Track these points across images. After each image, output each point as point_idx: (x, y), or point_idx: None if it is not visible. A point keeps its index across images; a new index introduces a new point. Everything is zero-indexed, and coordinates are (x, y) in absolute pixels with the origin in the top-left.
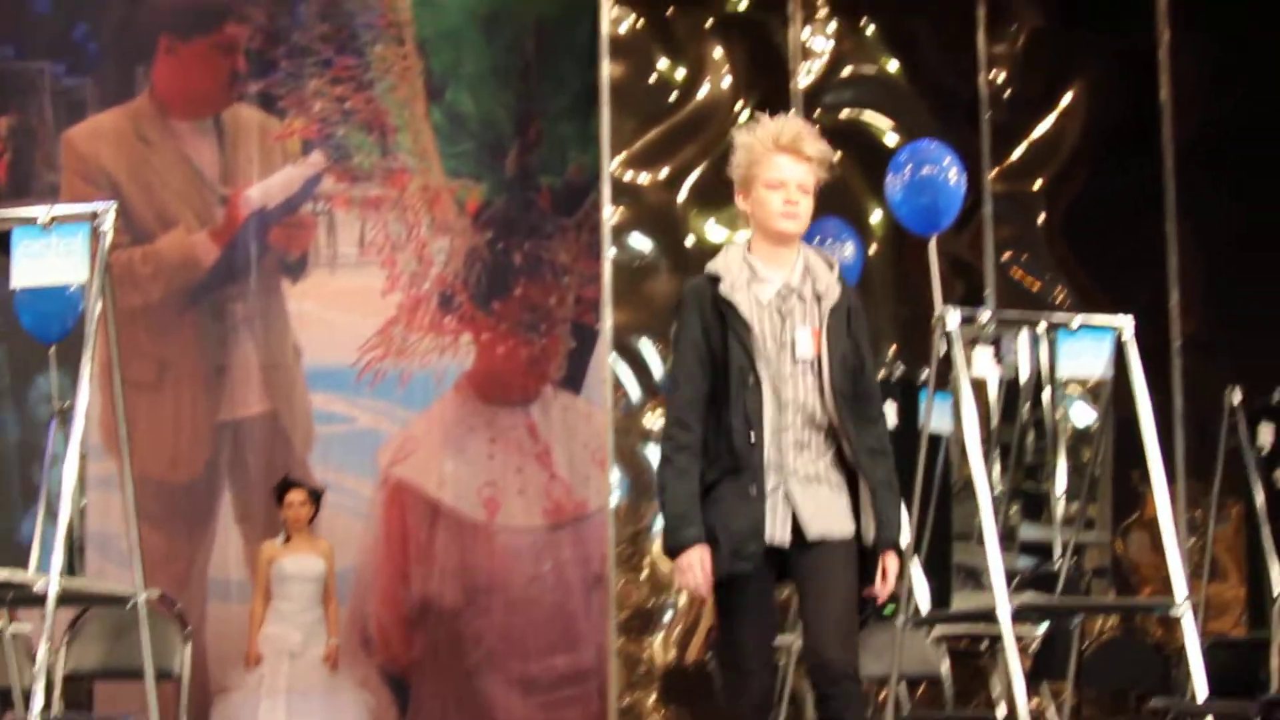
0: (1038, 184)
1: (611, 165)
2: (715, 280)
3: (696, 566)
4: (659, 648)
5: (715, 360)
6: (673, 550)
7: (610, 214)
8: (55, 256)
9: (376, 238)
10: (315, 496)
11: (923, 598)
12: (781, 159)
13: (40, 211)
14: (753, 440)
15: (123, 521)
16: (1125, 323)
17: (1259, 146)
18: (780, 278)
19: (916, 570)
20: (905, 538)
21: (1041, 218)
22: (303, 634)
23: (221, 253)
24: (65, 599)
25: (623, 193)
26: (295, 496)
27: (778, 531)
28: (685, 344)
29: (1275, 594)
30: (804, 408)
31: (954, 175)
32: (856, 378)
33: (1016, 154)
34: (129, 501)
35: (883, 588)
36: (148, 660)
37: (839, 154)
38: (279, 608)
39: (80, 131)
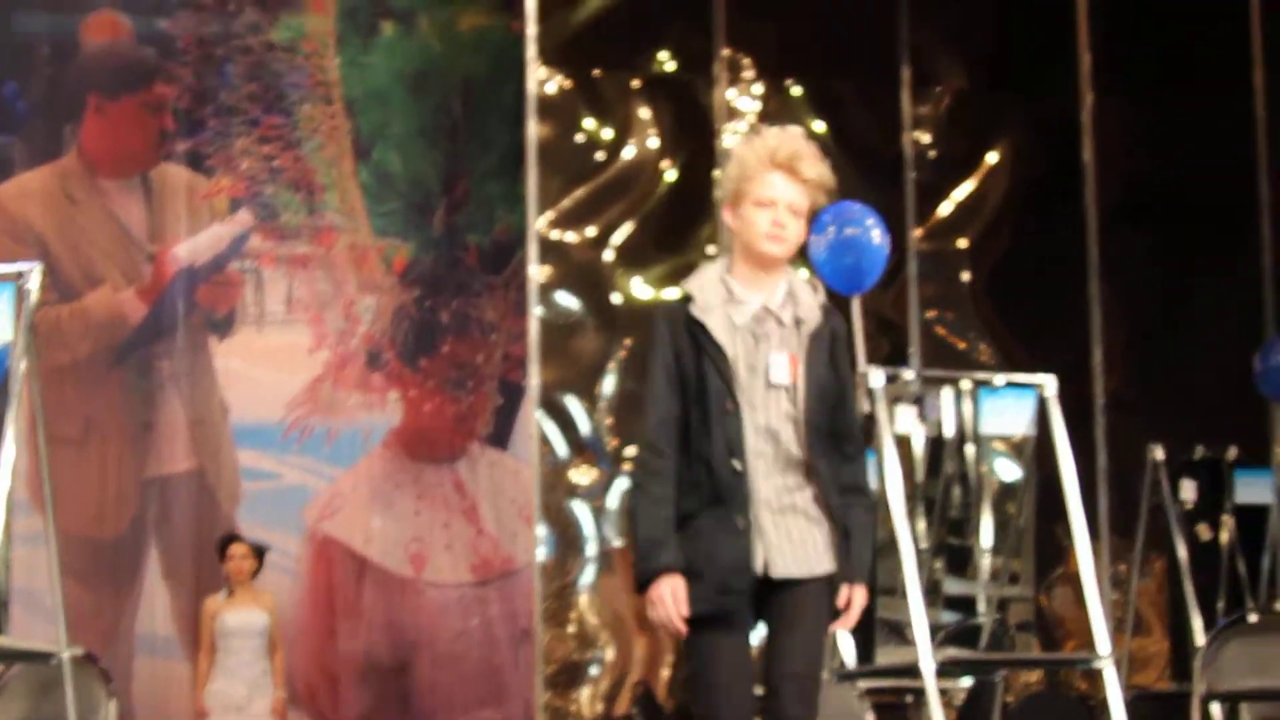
0: (962, 243)
1: (538, 224)
2: (689, 300)
3: (668, 598)
4: (586, 702)
5: (688, 384)
6: (643, 579)
7: (537, 272)
8: None
9: (304, 295)
10: (258, 551)
11: (848, 652)
12: (775, 177)
13: None
14: (738, 469)
15: (48, 578)
16: (1047, 381)
17: (1179, 207)
18: (758, 300)
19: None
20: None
21: (966, 277)
22: (248, 688)
23: (149, 310)
24: None
25: (549, 251)
26: (238, 550)
27: (757, 563)
28: (657, 367)
29: (1198, 647)
30: (776, 436)
31: (877, 236)
32: (835, 411)
33: (941, 214)
34: (53, 557)
35: (844, 621)
36: (72, 717)
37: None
38: (223, 663)
39: (7, 190)
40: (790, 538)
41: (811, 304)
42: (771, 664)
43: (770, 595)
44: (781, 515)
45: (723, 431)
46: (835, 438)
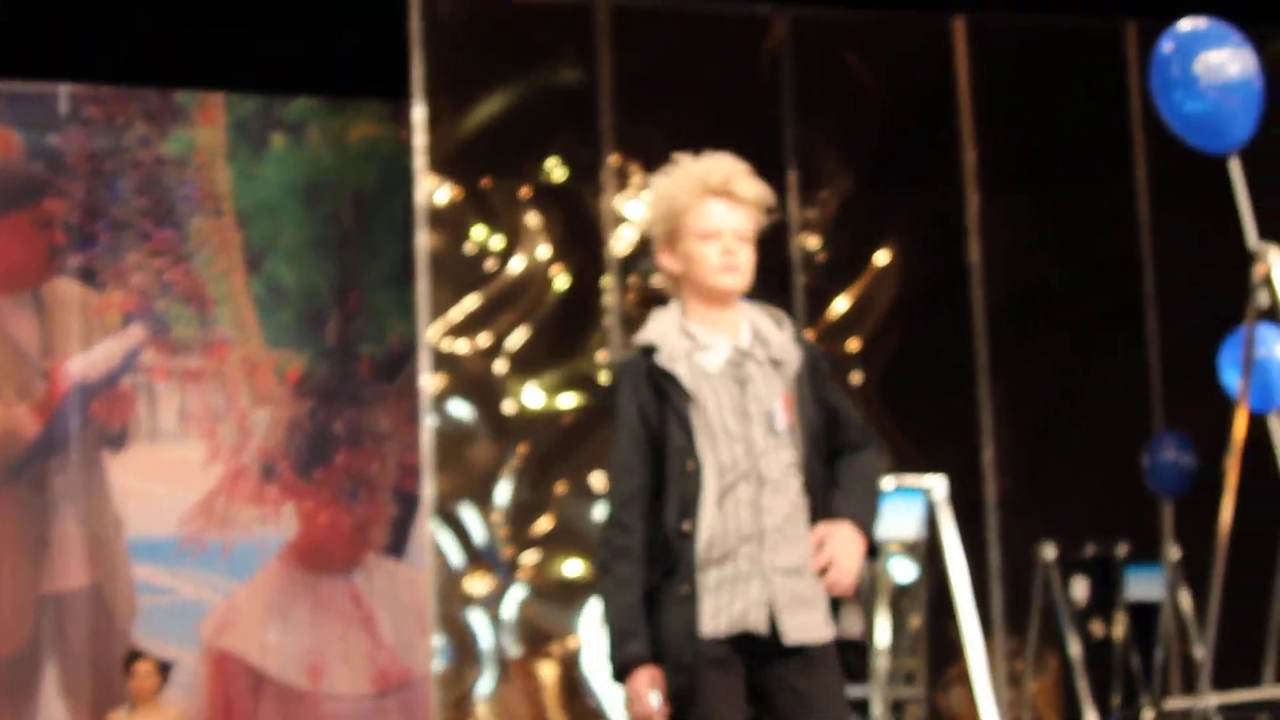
0: (853, 345)
1: (430, 333)
2: (650, 351)
3: (644, 692)
4: None
5: (656, 444)
6: (617, 672)
7: (429, 382)
8: None
9: (197, 409)
10: (162, 668)
11: None
12: (713, 205)
13: None
14: (684, 529)
15: None
16: (936, 483)
17: (1066, 304)
18: (726, 342)
19: None
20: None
21: (857, 379)
22: None
23: (42, 426)
24: None
25: (442, 361)
26: (142, 667)
27: (732, 626)
28: (621, 431)
29: None
30: (783, 487)
31: None
32: (833, 433)
33: (830, 316)
34: None
35: (831, 573)
36: None
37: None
38: None
39: None
40: (800, 601)
41: (784, 341)
42: None
43: (776, 666)
44: (791, 578)
45: (679, 492)
46: (834, 458)
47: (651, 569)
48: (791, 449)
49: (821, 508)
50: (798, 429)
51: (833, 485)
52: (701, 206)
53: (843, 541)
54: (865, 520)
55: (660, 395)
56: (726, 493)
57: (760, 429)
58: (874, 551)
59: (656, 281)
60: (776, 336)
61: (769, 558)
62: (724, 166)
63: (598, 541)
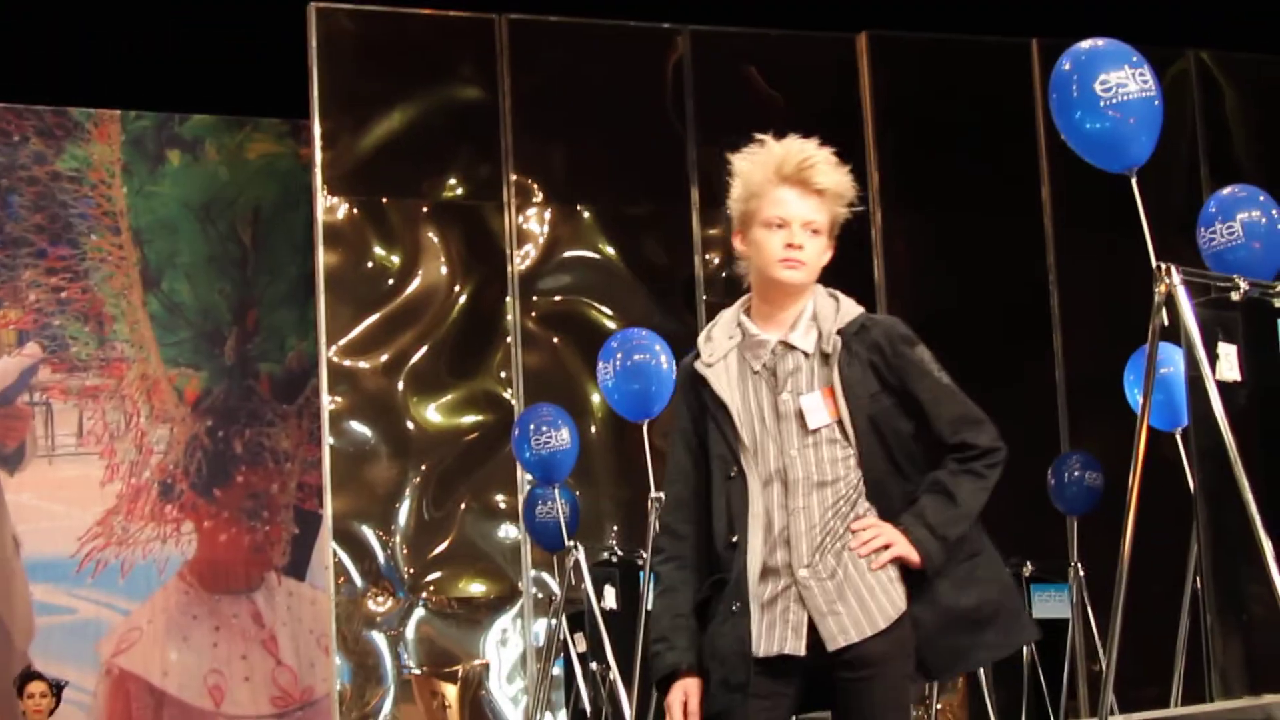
0: None
1: (329, 352)
2: (699, 354)
3: (677, 707)
4: None
5: (704, 449)
6: (657, 682)
7: (329, 401)
8: None
9: (95, 427)
10: (56, 689)
11: None
12: (785, 192)
13: None
14: (734, 541)
15: None
16: None
17: (970, 323)
18: (775, 337)
19: None
20: (939, 544)
21: None
22: None
23: None
24: None
25: (341, 379)
26: (36, 688)
27: (782, 643)
28: (676, 436)
29: None
30: (824, 487)
31: (665, 361)
32: (923, 423)
33: None
34: None
35: (868, 545)
36: None
37: (556, 339)
38: None
39: None
40: (843, 595)
41: (832, 324)
42: None
43: (833, 674)
44: (830, 580)
45: (724, 502)
46: (925, 462)
47: (704, 579)
48: (838, 445)
49: (883, 503)
50: (851, 422)
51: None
52: (774, 193)
53: (882, 529)
54: (926, 531)
55: (700, 401)
56: (768, 499)
57: (793, 427)
58: (925, 570)
59: (738, 268)
60: (828, 325)
61: (798, 563)
62: (802, 152)
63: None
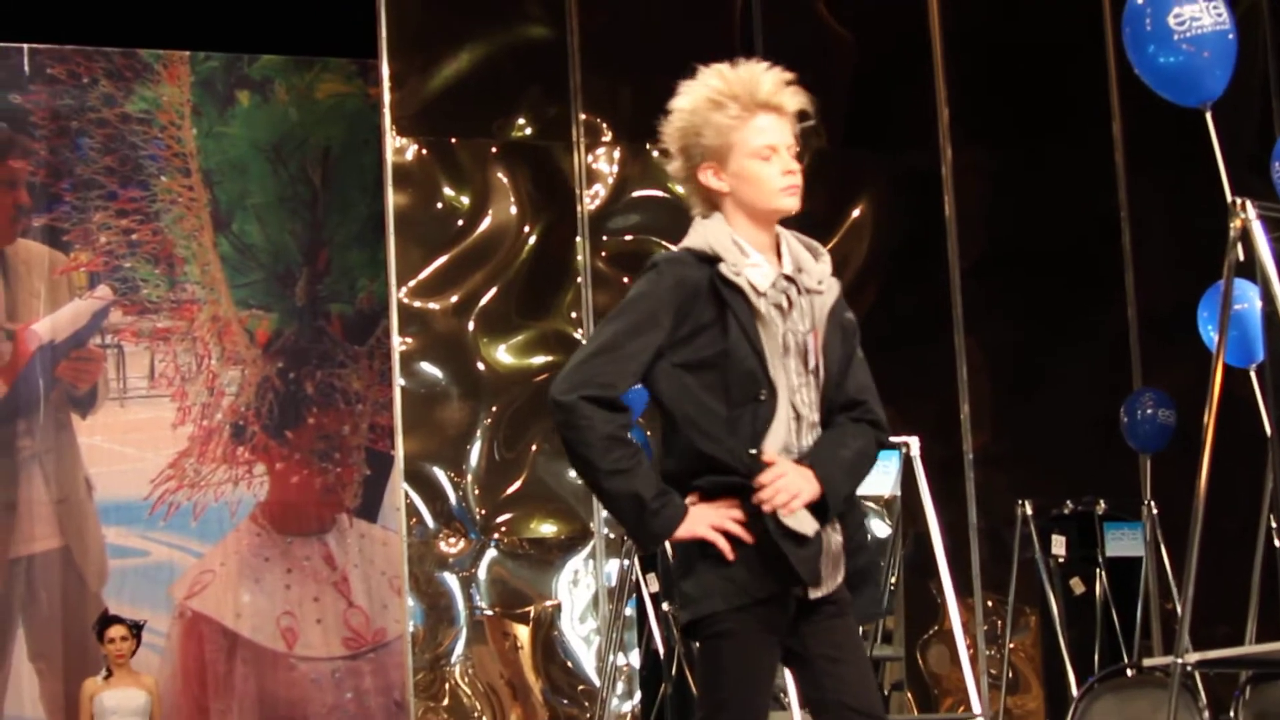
0: None
1: (400, 293)
2: (709, 260)
3: (724, 520)
4: None
5: (683, 366)
6: (664, 527)
7: (400, 342)
8: None
9: (167, 370)
10: (136, 630)
11: None
12: (765, 119)
13: None
14: (753, 454)
15: None
16: (911, 441)
17: (1043, 261)
18: (771, 267)
19: None
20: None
21: None
22: None
23: (9, 389)
24: None
25: (412, 320)
26: (116, 632)
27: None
28: (631, 317)
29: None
30: (814, 428)
31: None
32: (842, 382)
33: None
34: None
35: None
36: None
37: (626, 278)
38: None
39: None
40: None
41: (821, 271)
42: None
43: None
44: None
45: (751, 424)
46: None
47: (704, 473)
48: (815, 390)
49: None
50: (823, 368)
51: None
52: (754, 122)
53: (793, 472)
54: (830, 474)
55: (722, 310)
56: (788, 430)
57: (796, 361)
58: (823, 511)
59: (687, 196)
60: (815, 268)
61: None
62: (769, 77)
63: (561, 424)
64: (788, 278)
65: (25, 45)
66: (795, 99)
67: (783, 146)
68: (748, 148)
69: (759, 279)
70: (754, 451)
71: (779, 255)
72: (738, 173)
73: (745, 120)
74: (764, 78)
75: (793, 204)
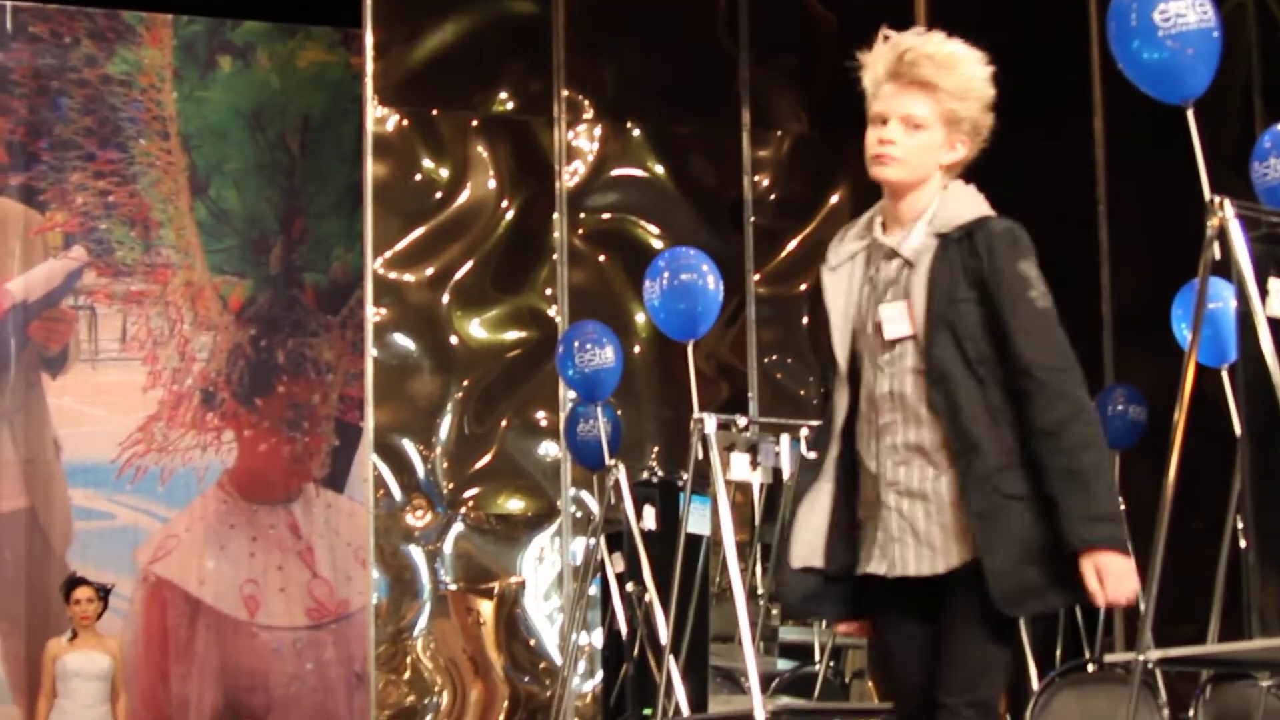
0: (801, 287)
1: (375, 264)
2: None
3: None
4: None
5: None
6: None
7: (374, 313)
8: None
9: (139, 333)
10: (103, 593)
11: (681, 701)
12: (886, 88)
13: None
14: (811, 456)
15: None
16: None
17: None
18: (894, 238)
19: (675, 673)
20: (1104, 532)
21: (805, 321)
22: None
23: None
24: None
25: (387, 291)
26: (83, 594)
27: (865, 563)
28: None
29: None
30: (903, 403)
31: (712, 281)
32: (1004, 345)
33: (780, 257)
34: None
35: (1106, 595)
36: None
37: (602, 256)
38: (61, 705)
39: None
40: (913, 529)
41: (949, 220)
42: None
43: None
44: (905, 499)
45: (830, 412)
46: (995, 382)
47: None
48: (916, 359)
49: (953, 426)
50: (923, 334)
51: (1041, 474)
52: (879, 89)
53: (1110, 580)
54: (1101, 530)
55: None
56: (860, 414)
57: (877, 338)
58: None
59: None
60: (945, 219)
61: (887, 484)
62: (903, 45)
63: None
64: (889, 249)
65: (8, 3)
66: (928, 71)
67: (894, 116)
68: (869, 113)
69: (874, 256)
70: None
71: (918, 224)
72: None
73: (875, 89)
74: (900, 46)
75: (880, 173)
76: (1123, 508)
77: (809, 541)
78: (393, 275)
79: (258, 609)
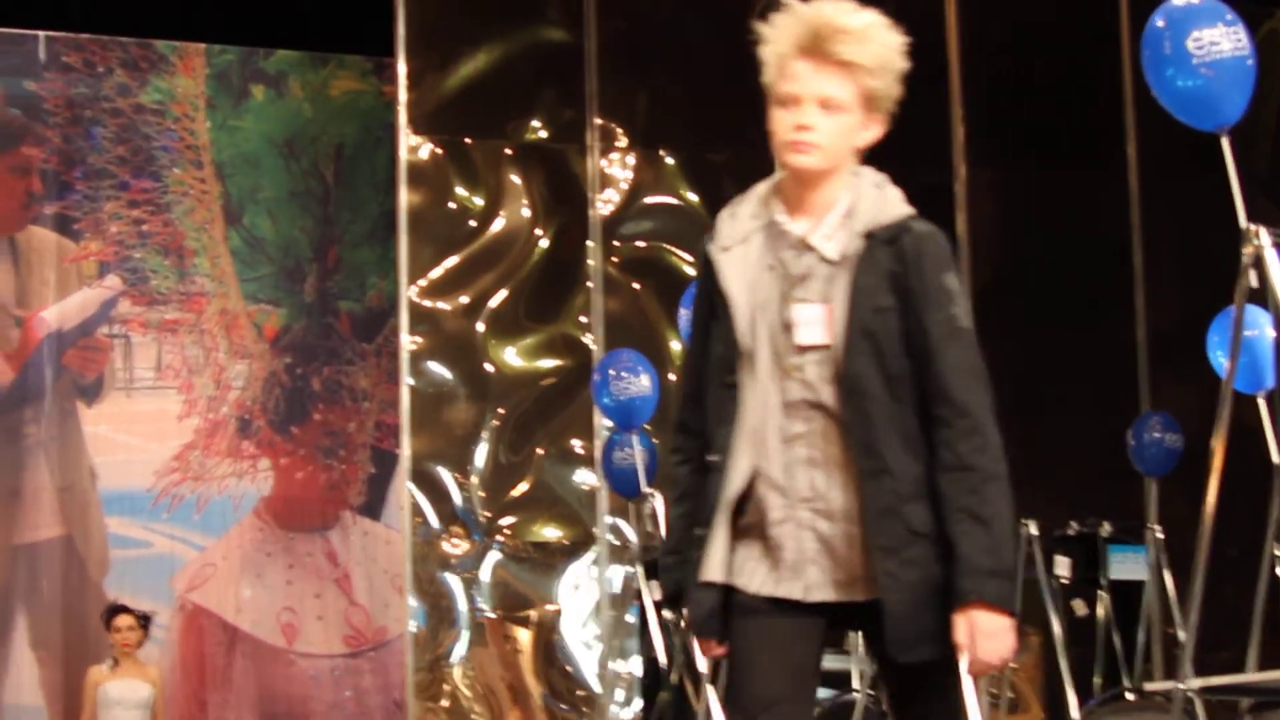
0: None
1: (410, 292)
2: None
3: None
4: None
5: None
6: (669, 598)
7: (408, 341)
8: None
9: (173, 361)
10: (144, 621)
11: None
12: (799, 65)
13: None
14: (715, 461)
15: None
16: None
17: (1053, 280)
18: (800, 229)
19: (713, 701)
20: (994, 590)
21: None
22: None
23: (16, 375)
24: None
25: (421, 319)
26: (124, 621)
27: (776, 585)
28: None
29: None
30: (821, 413)
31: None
32: (921, 364)
33: None
34: None
35: (973, 663)
36: None
37: (636, 284)
38: None
39: None
40: (829, 551)
41: (876, 219)
42: None
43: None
44: (828, 520)
45: (716, 413)
46: (909, 398)
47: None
48: (834, 368)
49: (878, 459)
50: (843, 342)
51: (942, 510)
52: (789, 66)
53: (982, 639)
54: (990, 586)
55: (711, 286)
56: (763, 419)
57: (789, 341)
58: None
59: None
60: (867, 216)
61: (800, 500)
62: (820, 17)
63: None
64: (808, 244)
65: (42, 33)
66: (848, 48)
67: (810, 98)
68: (776, 92)
69: (771, 250)
70: (713, 459)
71: (830, 214)
72: (770, 117)
73: (785, 64)
74: (814, 19)
75: (798, 161)
76: (1160, 535)
77: (717, 554)
78: (427, 303)
79: (295, 637)
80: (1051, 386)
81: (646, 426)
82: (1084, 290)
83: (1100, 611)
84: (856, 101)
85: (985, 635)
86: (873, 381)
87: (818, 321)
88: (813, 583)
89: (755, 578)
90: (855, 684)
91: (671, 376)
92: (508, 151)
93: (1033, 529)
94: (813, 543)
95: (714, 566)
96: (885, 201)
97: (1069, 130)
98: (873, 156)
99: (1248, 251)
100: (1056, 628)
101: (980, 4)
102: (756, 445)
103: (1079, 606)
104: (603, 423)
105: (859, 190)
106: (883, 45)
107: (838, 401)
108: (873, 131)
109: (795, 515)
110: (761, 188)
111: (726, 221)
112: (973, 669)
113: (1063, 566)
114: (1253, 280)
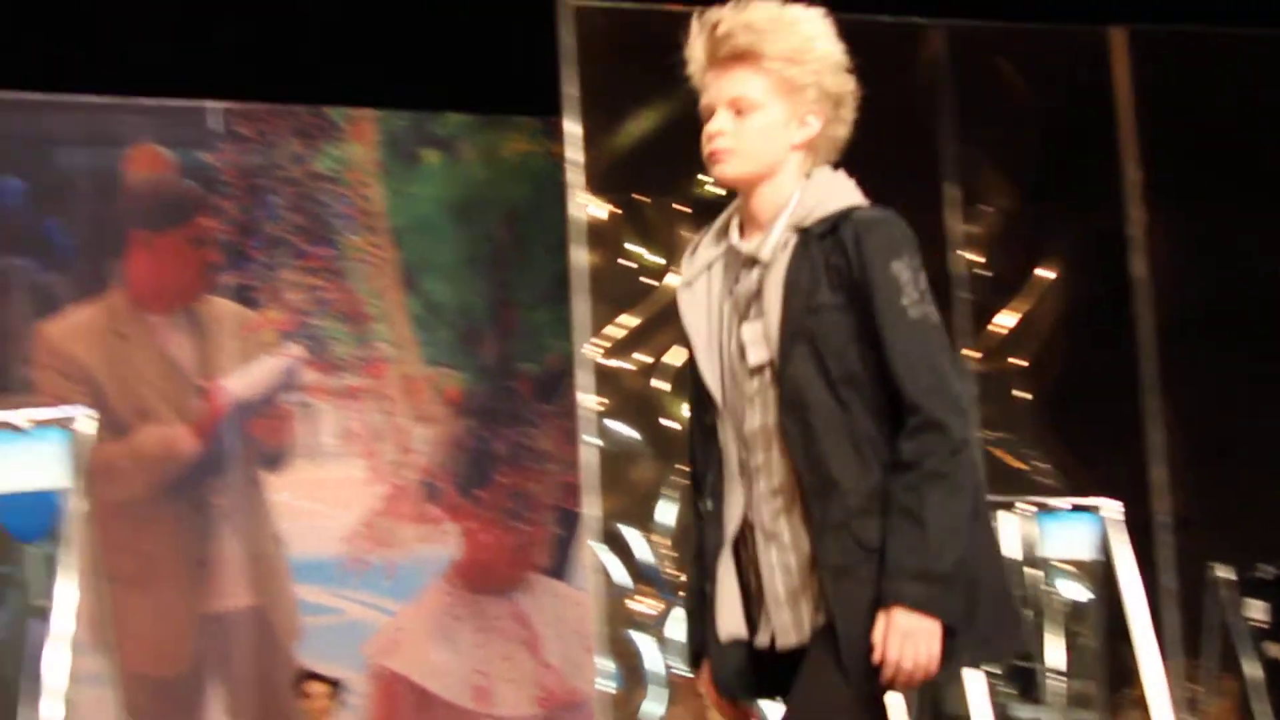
0: (1018, 362)
1: (589, 351)
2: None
3: (704, 692)
4: None
5: None
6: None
7: (589, 400)
8: (35, 460)
9: (356, 427)
10: (335, 687)
11: None
12: (709, 77)
13: (19, 416)
14: (708, 508)
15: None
16: (1108, 505)
17: (1237, 320)
18: (754, 245)
19: None
20: (917, 594)
21: (1022, 396)
22: None
23: (201, 445)
24: None
25: (602, 379)
26: (315, 688)
27: (736, 629)
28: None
29: None
30: (772, 436)
31: None
32: (865, 364)
33: (995, 333)
34: (115, 698)
35: (885, 669)
36: None
37: None
38: None
39: (55, 327)
40: (790, 590)
41: (811, 212)
42: None
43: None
44: (795, 554)
45: (703, 457)
46: (886, 403)
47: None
48: (775, 389)
49: (824, 473)
50: (779, 358)
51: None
52: (702, 81)
53: (896, 638)
54: (913, 589)
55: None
56: (733, 455)
57: (743, 366)
58: (948, 609)
59: None
60: (793, 219)
61: (767, 537)
62: (718, 19)
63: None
64: (755, 260)
65: (214, 103)
66: (740, 41)
67: (721, 106)
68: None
69: (728, 272)
70: (707, 506)
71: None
72: None
73: (699, 79)
74: (703, 30)
75: (717, 172)
76: None
77: (731, 610)
78: (607, 362)
79: (487, 699)
80: (1240, 426)
81: None
82: (1270, 329)
83: None
84: (773, 95)
85: (901, 635)
86: (813, 388)
87: (759, 339)
88: (779, 627)
89: (756, 630)
90: None
91: None
92: (682, 208)
93: (1226, 572)
94: (784, 583)
95: (729, 622)
96: (828, 195)
97: (1246, 171)
98: (1045, 199)
99: None
100: (1253, 671)
101: (1148, 41)
102: (736, 485)
103: (1275, 649)
104: None
105: (806, 188)
106: (793, 33)
107: (779, 417)
108: (812, 127)
109: (768, 555)
110: (726, 212)
111: (687, 256)
112: (886, 673)
113: (1257, 610)
114: None
